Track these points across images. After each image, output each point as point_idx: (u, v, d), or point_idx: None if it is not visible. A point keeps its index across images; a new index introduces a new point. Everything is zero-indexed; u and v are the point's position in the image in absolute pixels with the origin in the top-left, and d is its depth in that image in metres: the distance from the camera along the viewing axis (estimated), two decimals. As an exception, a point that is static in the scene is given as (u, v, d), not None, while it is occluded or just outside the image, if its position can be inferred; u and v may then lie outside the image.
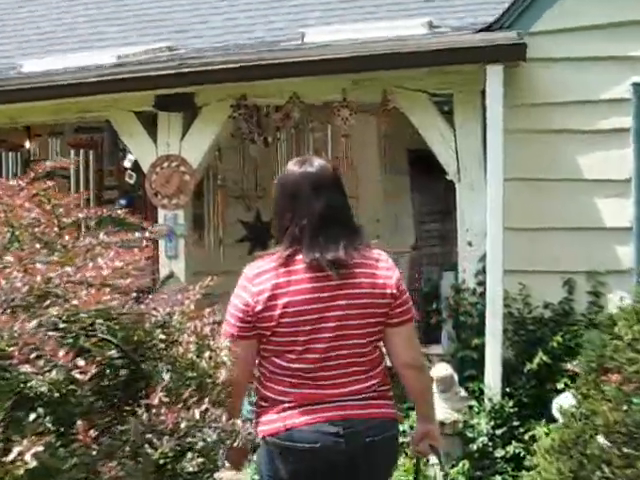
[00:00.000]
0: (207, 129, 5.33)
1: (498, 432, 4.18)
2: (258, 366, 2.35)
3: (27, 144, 5.96)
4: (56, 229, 2.90)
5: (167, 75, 4.98)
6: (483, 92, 4.64)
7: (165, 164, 5.40)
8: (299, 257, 2.25)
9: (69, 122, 5.80)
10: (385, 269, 2.30)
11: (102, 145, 6.01)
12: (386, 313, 2.29)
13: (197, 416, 1.62)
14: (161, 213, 5.47)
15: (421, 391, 2.43)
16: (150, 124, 5.49)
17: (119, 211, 3.13)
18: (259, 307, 2.21)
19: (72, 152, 5.71)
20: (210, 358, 2.15)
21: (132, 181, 5.85)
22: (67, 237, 2.59)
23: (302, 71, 4.76)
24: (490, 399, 4.32)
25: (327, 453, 2.21)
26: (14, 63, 5.69)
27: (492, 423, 4.19)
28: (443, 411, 4.14)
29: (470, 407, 4.31)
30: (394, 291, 2.28)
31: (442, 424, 4.10)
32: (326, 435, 2.21)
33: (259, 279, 2.24)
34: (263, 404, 2.32)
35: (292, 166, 2.39)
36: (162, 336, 2.16)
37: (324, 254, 2.22)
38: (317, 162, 2.38)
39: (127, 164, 5.84)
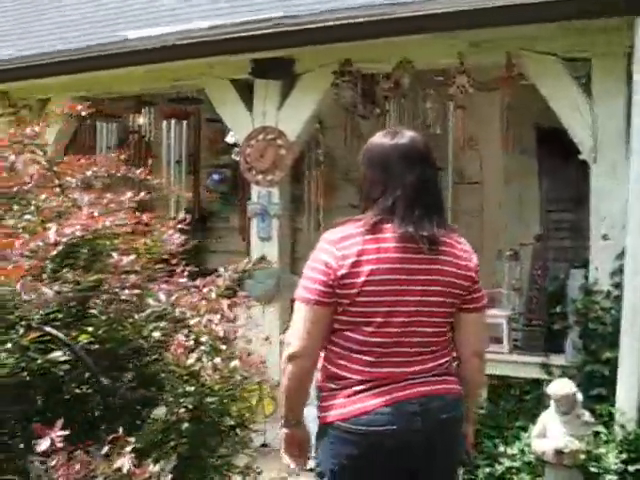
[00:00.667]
0: (307, 98, 4.78)
1: (631, 469, 3.36)
2: (327, 342, 2.20)
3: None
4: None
5: (264, 35, 4.45)
6: (629, 55, 3.83)
7: (260, 136, 4.89)
8: (388, 226, 2.15)
9: (163, 92, 5.41)
10: (467, 252, 2.25)
11: (199, 116, 5.57)
12: (462, 296, 2.22)
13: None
14: (255, 190, 4.98)
15: (479, 384, 2.42)
16: (246, 93, 5.01)
17: (138, 171, 2.67)
18: (343, 271, 2.10)
19: (164, 123, 5.30)
20: (216, 370, 1.61)
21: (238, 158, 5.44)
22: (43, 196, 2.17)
23: (412, 27, 4.11)
24: (622, 426, 3.53)
25: (405, 434, 2.12)
26: (114, 34, 5.34)
27: (624, 456, 3.39)
28: (561, 437, 3.41)
29: (596, 434, 3.51)
30: (473, 275, 2.23)
31: (560, 452, 3.38)
32: (403, 415, 2.12)
33: (343, 243, 2.13)
34: (333, 386, 2.18)
35: (381, 138, 2.28)
36: (156, 334, 1.64)
37: (418, 228, 2.14)
38: (408, 134, 2.27)
39: (229, 139, 5.41)
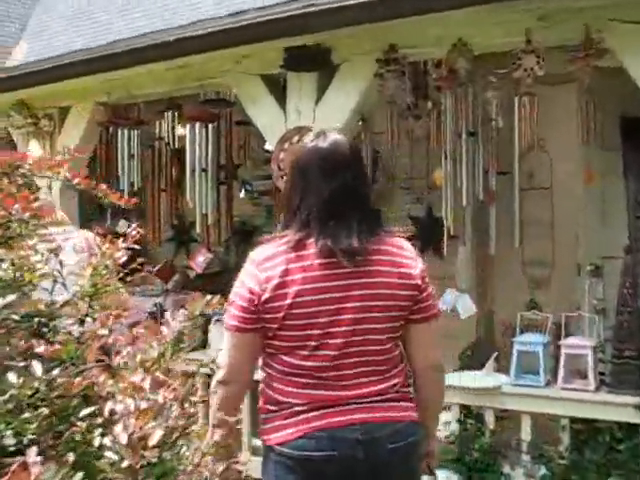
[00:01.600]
0: (347, 92, 4.08)
1: None
2: (264, 366, 2.12)
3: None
4: None
5: (293, 17, 3.78)
6: None
7: (295, 137, 4.22)
8: (310, 241, 2.01)
9: (189, 93, 4.80)
10: (408, 258, 2.07)
11: (230, 119, 4.94)
12: (408, 307, 2.05)
13: None
14: (290, 200, 4.32)
15: (438, 399, 2.24)
16: (278, 89, 4.35)
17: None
18: (266, 295, 1.99)
19: (188, 127, 4.68)
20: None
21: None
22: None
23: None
24: None
25: (345, 462, 1.99)
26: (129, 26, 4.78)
27: None
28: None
29: None
30: (418, 282, 2.04)
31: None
32: (343, 442, 1.99)
33: (267, 264, 2.01)
34: (271, 408, 2.08)
35: (307, 140, 2.21)
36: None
37: (336, 242, 1.97)
38: (332, 137, 2.10)
39: (268, 146, 4.77)
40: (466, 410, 3.89)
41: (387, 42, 3.89)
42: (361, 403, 2.01)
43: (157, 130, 4.92)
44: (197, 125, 4.59)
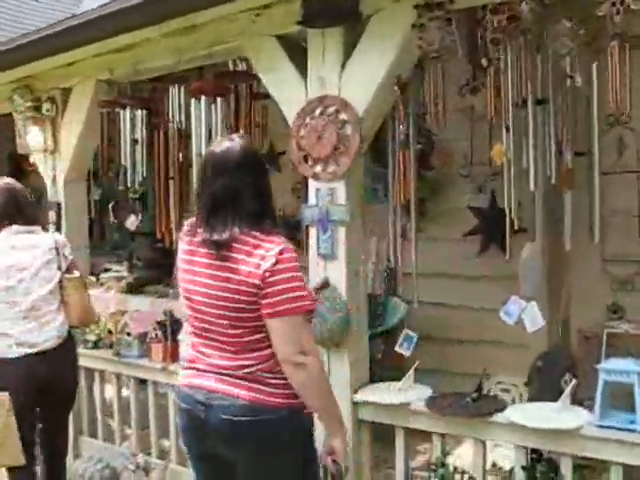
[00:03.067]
0: (379, 50, 3.19)
1: None
2: None
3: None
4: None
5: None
6: None
7: (317, 110, 3.36)
8: (199, 230, 2.37)
9: (200, 63, 3.99)
10: (259, 257, 2.26)
11: (249, 93, 4.08)
12: (252, 302, 2.26)
13: None
14: (312, 186, 3.45)
15: (305, 395, 2.31)
16: (298, 53, 3.50)
17: None
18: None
19: (193, 103, 3.85)
20: None
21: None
22: None
23: None
24: None
25: (194, 418, 2.35)
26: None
27: None
28: None
29: None
30: (256, 281, 2.24)
31: None
32: (195, 401, 2.34)
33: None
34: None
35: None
36: None
37: (210, 234, 2.31)
38: (226, 143, 2.41)
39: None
40: (535, 454, 2.98)
41: (428, -18, 3.00)
42: (214, 372, 2.32)
43: (167, 110, 4.12)
44: (203, 100, 3.76)
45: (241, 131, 4.12)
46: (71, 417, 4.66)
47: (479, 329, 5.48)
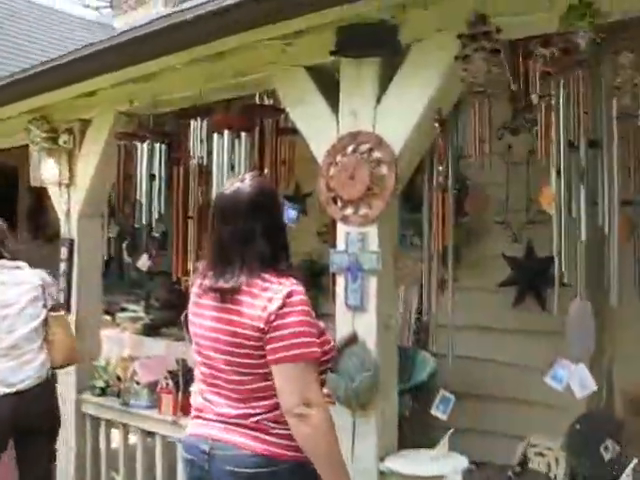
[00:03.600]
0: (419, 82, 2.89)
1: None
2: None
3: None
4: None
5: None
6: None
7: (349, 148, 3.07)
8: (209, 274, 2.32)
9: (225, 95, 3.71)
10: (266, 300, 2.17)
11: (276, 128, 3.78)
12: (256, 347, 2.17)
13: None
14: (341, 231, 3.13)
15: (305, 447, 2.14)
16: (330, 85, 3.22)
17: None
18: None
19: (215, 138, 3.56)
20: None
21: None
22: None
23: None
24: None
25: (198, 468, 2.25)
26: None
27: None
28: None
29: None
30: (261, 325, 2.14)
31: None
32: (197, 450, 2.25)
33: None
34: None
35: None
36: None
37: (217, 281, 2.24)
38: (236, 185, 2.32)
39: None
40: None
41: (472, 9, 2.72)
42: (218, 421, 2.22)
43: (188, 145, 3.85)
44: (226, 135, 3.48)
45: (266, 169, 3.84)
46: (72, 469, 4.36)
47: (512, 386, 5.10)
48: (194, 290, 2.35)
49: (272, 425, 2.17)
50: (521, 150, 4.83)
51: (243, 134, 3.49)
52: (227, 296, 2.20)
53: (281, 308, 2.13)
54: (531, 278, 5.08)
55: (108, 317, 6.62)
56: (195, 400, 2.37)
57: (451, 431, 3.07)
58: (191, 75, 3.63)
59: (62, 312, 3.58)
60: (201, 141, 3.60)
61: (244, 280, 2.18)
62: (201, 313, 2.30)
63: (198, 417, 2.30)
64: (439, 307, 4.03)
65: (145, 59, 3.38)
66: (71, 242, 4.34)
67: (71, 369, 4.37)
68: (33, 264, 3.54)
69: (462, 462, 2.95)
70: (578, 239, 3.07)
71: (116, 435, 4.26)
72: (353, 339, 3.03)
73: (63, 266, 4.37)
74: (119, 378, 4.11)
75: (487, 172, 5.15)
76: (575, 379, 3.07)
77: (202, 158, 3.62)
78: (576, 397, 3.16)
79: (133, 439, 4.14)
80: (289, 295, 2.16)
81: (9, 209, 8.48)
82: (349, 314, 3.07)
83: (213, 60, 3.46)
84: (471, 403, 5.21)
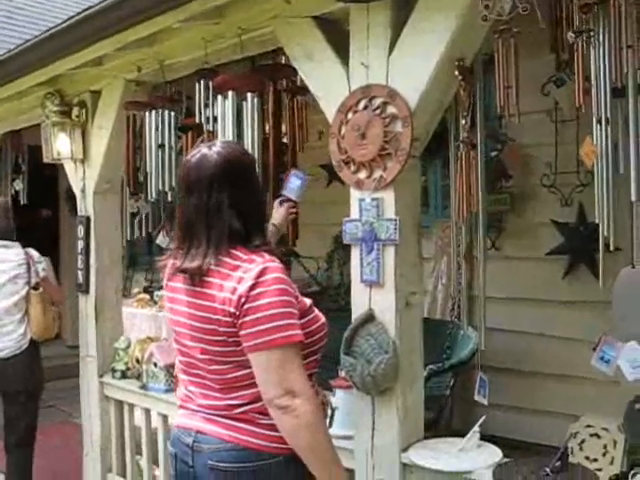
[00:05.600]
0: (435, 26, 2.47)
1: None
2: None
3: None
4: None
5: None
6: None
7: (361, 103, 2.68)
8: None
9: (231, 55, 3.36)
10: (235, 280, 1.88)
11: (290, 88, 3.39)
12: (229, 333, 1.89)
13: None
14: (354, 197, 2.76)
15: (291, 442, 1.89)
16: (339, 37, 2.83)
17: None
18: None
19: (219, 99, 3.20)
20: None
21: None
22: None
23: None
24: None
25: (182, 464, 2.03)
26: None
27: None
28: None
29: None
30: (231, 309, 1.87)
31: None
32: (182, 443, 2.03)
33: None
34: None
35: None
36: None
37: (183, 261, 1.98)
38: (203, 152, 2.01)
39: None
40: None
41: None
42: (201, 412, 2.00)
43: (196, 110, 3.51)
44: (230, 97, 3.13)
45: (284, 133, 3.48)
46: (98, 454, 4.17)
47: (563, 362, 4.70)
48: (167, 272, 2.09)
49: (259, 416, 1.94)
50: (568, 106, 4.36)
51: (249, 96, 3.13)
52: (195, 278, 1.95)
53: (252, 289, 1.86)
54: (583, 245, 4.63)
55: (146, 295, 6.42)
56: (179, 390, 2.15)
57: (483, 418, 2.69)
58: (192, 37, 3.29)
59: (40, 289, 3.89)
60: (205, 105, 3.25)
61: (212, 259, 1.92)
62: (175, 298, 2.06)
63: (184, 408, 2.09)
64: (476, 278, 3.64)
65: (139, 16, 3.04)
66: (87, 219, 4.09)
67: (92, 352, 4.17)
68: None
69: (494, 455, 2.57)
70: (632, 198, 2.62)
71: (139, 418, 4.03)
72: (369, 318, 2.67)
73: (80, 245, 4.12)
74: (138, 361, 3.86)
75: (532, 131, 4.73)
76: (625, 360, 2.65)
77: (208, 123, 3.27)
78: (627, 379, 2.73)
79: (154, 422, 3.90)
80: (261, 273, 1.88)
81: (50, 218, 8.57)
82: (365, 290, 2.70)
83: (212, 18, 3.11)
84: (516, 379, 4.83)
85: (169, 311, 2.11)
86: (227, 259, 1.92)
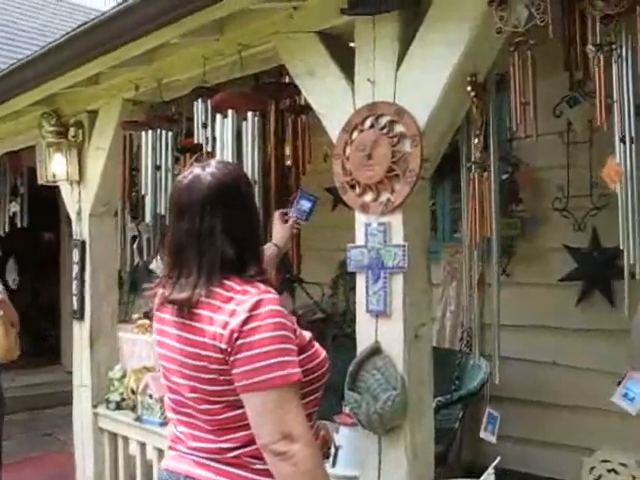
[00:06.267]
0: (446, 39, 2.31)
1: None
2: None
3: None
4: None
5: None
6: None
7: (367, 122, 2.51)
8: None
9: (227, 73, 3.19)
10: (227, 313, 1.70)
11: (294, 108, 3.21)
12: (221, 371, 1.70)
13: None
14: (359, 221, 2.58)
15: None
16: (344, 52, 2.67)
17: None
18: None
19: (218, 119, 3.03)
20: None
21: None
22: None
23: None
24: None
25: None
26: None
27: None
28: None
29: None
30: (222, 345, 1.68)
31: None
32: None
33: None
34: None
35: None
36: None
37: (172, 291, 1.79)
38: (195, 172, 1.84)
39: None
40: None
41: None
42: (191, 454, 1.82)
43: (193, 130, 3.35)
44: (230, 116, 2.96)
45: (287, 155, 3.31)
46: None
47: (577, 392, 4.47)
48: (156, 302, 1.91)
49: (253, 460, 1.76)
50: (581, 127, 4.19)
51: (250, 115, 2.96)
52: (184, 310, 1.76)
53: (246, 323, 1.67)
54: (597, 271, 4.44)
55: (147, 321, 6.23)
56: (169, 429, 1.96)
57: (498, 459, 2.48)
58: (191, 54, 3.14)
59: (1, 312, 3.81)
60: (204, 125, 3.09)
61: (202, 289, 1.74)
62: (164, 330, 1.87)
63: (173, 449, 1.90)
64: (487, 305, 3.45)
65: (134, 33, 2.89)
66: (83, 243, 3.91)
67: (87, 381, 3.98)
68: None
69: (511, 499, 2.36)
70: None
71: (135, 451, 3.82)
72: (375, 351, 2.48)
73: (75, 269, 3.94)
74: (133, 391, 3.66)
75: (544, 154, 4.55)
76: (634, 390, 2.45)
77: (208, 144, 3.11)
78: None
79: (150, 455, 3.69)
80: (255, 306, 1.69)
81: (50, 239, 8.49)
82: (371, 321, 2.51)
83: (212, 34, 2.95)
84: (528, 410, 4.61)
85: (157, 345, 1.91)
86: (219, 290, 1.74)
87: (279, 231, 2.71)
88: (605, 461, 4.04)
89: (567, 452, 4.41)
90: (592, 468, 4.15)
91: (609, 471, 4.05)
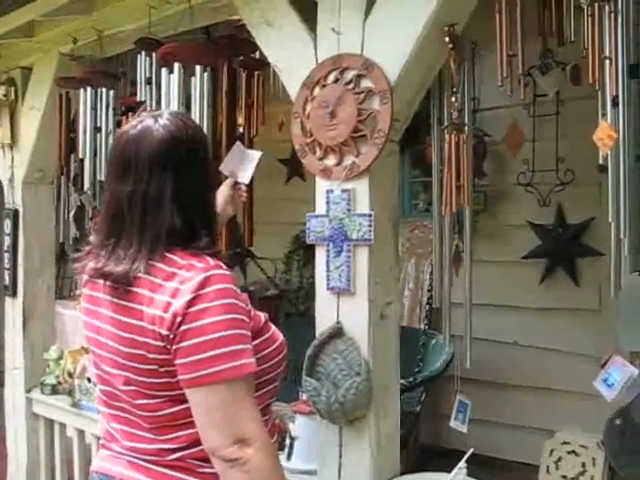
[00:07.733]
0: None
1: None
2: None
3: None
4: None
5: None
6: None
7: (330, 77, 2.21)
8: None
9: (173, 24, 2.85)
10: (169, 293, 1.42)
11: (230, 62, 2.87)
12: (163, 361, 1.43)
13: None
14: (320, 188, 2.28)
15: None
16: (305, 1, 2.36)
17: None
18: None
19: (163, 72, 2.67)
20: None
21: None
22: None
23: None
24: None
25: None
26: None
27: None
28: None
29: None
30: (163, 331, 1.40)
31: None
32: None
33: None
34: None
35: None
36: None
37: (105, 263, 1.50)
38: (145, 123, 1.52)
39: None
40: None
41: None
42: (124, 455, 1.56)
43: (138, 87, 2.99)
44: (176, 68, 2.62)
45: (240, 115, 2.97)
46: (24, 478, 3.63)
47: (540, 373, 4.32)
48: (83, 278, 1.61)
49: (198, 463, 1.50)
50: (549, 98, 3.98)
51: (199, 70, 2.63)
52: (120, 287, 1.48)
53: (191, 304, 1.39)
54: (562, 249, 4.26)
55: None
56: (101, 426, 1.69)
57: (471, 451, 2.24)
58: (135, 2, 2.79)
59: None
60: (148, 82, 2.74)
61: (142, 263, 1.46)
62: (94, 310, 1.58)
63: (106, 448, 1.63)
64: (453, 283, 3.21)
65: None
66: (16, 213, 3.54)
67: (19, 362, 3.62)
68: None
69: (485, 496, 2.12)
70: None
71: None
72: (336, 333, 2.20)
73: (7, 241, 3.58)
74: (70, 374, 3.32)
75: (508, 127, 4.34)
76: (615, 374, 2.23)
77: (152, 102, 2.77)
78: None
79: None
80: (203, 284, 1.41)
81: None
82: (332, 299, 2.22)
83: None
84: (490, 392, 4.43)
85: (85, 327, 1.61)
86: (160, 265, 1.46)
87: (219, 195, 2.35)
88: (565, 443, 3.90)
89: (530, 434, 4.26)
90: (552, 450, 4.00)
91: (569, 453, 3.92)
